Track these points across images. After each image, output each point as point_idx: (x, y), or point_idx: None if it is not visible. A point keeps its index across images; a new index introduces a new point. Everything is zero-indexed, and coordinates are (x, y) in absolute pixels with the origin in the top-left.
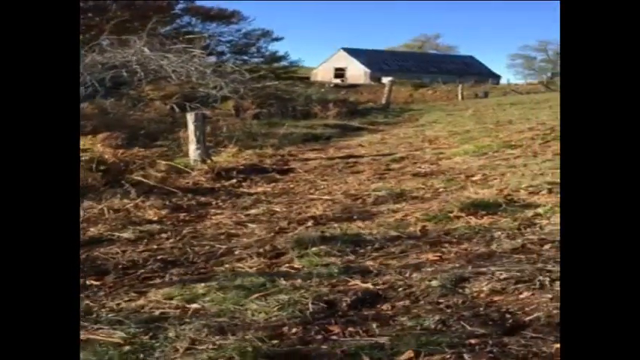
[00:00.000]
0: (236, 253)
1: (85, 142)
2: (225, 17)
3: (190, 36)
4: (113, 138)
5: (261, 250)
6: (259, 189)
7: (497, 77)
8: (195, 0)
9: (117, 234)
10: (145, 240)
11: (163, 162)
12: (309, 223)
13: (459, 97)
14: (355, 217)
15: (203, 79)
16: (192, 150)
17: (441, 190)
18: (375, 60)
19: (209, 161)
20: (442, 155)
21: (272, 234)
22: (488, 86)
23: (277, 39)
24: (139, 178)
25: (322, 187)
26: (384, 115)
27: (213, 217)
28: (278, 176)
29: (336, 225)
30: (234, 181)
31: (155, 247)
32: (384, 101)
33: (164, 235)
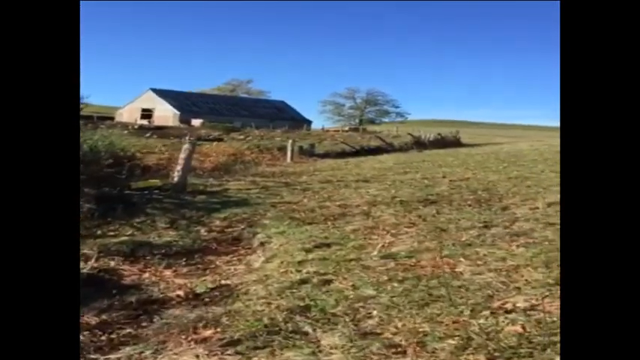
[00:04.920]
0: None
1: None
2: None
3: None
4: None
5: None
6: None
7: (309, 122)
8: None
9: None
10: None
11: None
12: None
13: (289, 156)
14: None
15: None
16: None
17: None
18: (185, 102)
19: None
20: None
21: None
22: (303, 132)
23: None
24: None
25: None
26: (171, 220)
27: None
28: None
29: None
30: None
31: None
32: (176, 177)
33: None
